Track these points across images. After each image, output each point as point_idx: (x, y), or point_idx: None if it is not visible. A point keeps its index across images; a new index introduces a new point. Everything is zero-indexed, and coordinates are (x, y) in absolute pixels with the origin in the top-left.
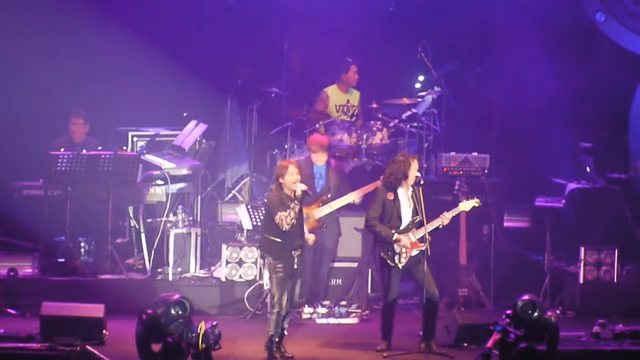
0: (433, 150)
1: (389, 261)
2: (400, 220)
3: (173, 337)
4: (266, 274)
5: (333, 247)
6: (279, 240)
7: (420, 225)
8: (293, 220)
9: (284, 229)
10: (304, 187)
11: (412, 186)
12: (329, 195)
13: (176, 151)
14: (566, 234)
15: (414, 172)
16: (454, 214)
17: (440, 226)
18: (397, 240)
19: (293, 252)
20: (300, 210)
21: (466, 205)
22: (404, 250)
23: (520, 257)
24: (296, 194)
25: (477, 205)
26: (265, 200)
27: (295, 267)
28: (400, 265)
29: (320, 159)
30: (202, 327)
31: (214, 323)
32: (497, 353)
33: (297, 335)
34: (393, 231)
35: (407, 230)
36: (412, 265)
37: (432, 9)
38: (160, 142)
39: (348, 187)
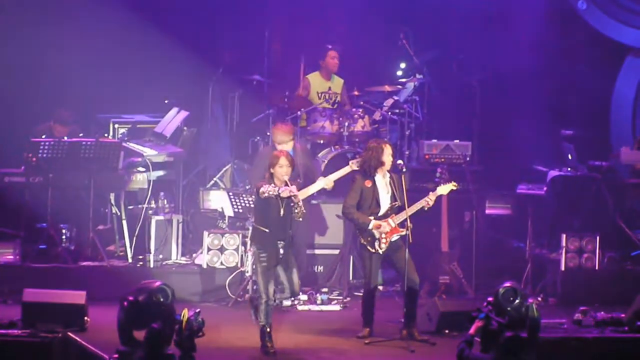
0: (415, 137)
1: (369, 247)
2: (379, 207)
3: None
4: (248, 261)
5: (306, 234)
6: (266, 230)
7: (399, 210)
8: (269, 193)
9: (260, 195)
10: (293, 191)
11: (388, 172)
12: (299, 181)
13: (158, 138)
14: (548, 221)
15: (388, 157)
16: (434, 197)
17: (426, 208)
18: (376, 227)
19: (279, 242)
20: (289, 203)
21: (444, 189)
22: (383, 235)
23: (502, 244)
24: (281, 192)
25: (454, 188)
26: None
27: (281, 256)
28: (380, 251)
29: (285, 147)
30: (185, 314)
31: (197, 310)
32: (479, 340)
33: (279, 323)
34: (371, 218)
35: (386, 216)
36: (392, 251)
37: None
38: (142, 129)
39: (314, 171)
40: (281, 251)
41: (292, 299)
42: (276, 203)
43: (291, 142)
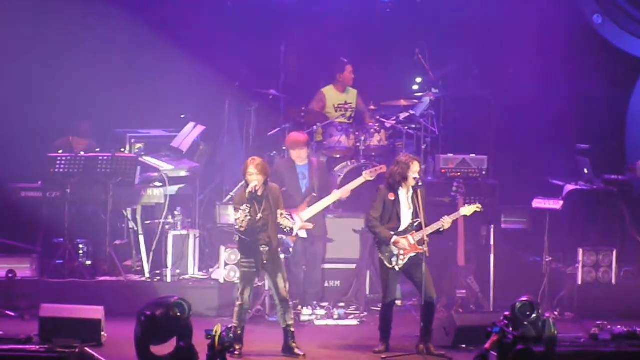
0: (431, 151)
1: (386, 263)
2: (400, 222)
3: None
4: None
5: (322, 248)
6: (243, 237)
7: (419, 227)
8: (244, 222)
9: (239, 229)
10: (252, 185)
11: (412, 188)
12: (314, 195)
13: (174, 153)
14: (564, 235)
15: (413, 174)
16: (454, 218)
17: (441, 229)
18: (396, 243)
19: (261, 248)
20: (269, 207)
21: (468, 210)
22: (401, 252)
23: (518, 258)
24: (247, 192)
25: (479, 210)
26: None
27: (265, 262)
28: (397, 268)
29: (300, 157)
30: (218, 329)
31: (229, 326)
32: (495, 354)
33: (297, 337)
34: (392, 233)
35: (406, 232)
36: (411, 267)
37: (430, 11)
38: (159, 144)
39: (331, 185)
40: (264, 257)
41: (303, 307)
42: (254, 208)
43: (304, 151)
